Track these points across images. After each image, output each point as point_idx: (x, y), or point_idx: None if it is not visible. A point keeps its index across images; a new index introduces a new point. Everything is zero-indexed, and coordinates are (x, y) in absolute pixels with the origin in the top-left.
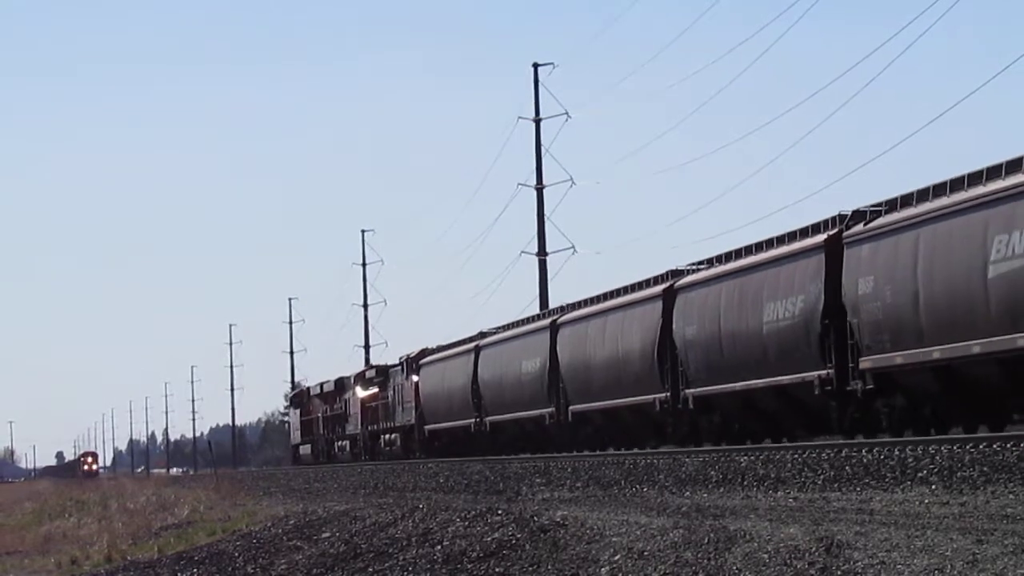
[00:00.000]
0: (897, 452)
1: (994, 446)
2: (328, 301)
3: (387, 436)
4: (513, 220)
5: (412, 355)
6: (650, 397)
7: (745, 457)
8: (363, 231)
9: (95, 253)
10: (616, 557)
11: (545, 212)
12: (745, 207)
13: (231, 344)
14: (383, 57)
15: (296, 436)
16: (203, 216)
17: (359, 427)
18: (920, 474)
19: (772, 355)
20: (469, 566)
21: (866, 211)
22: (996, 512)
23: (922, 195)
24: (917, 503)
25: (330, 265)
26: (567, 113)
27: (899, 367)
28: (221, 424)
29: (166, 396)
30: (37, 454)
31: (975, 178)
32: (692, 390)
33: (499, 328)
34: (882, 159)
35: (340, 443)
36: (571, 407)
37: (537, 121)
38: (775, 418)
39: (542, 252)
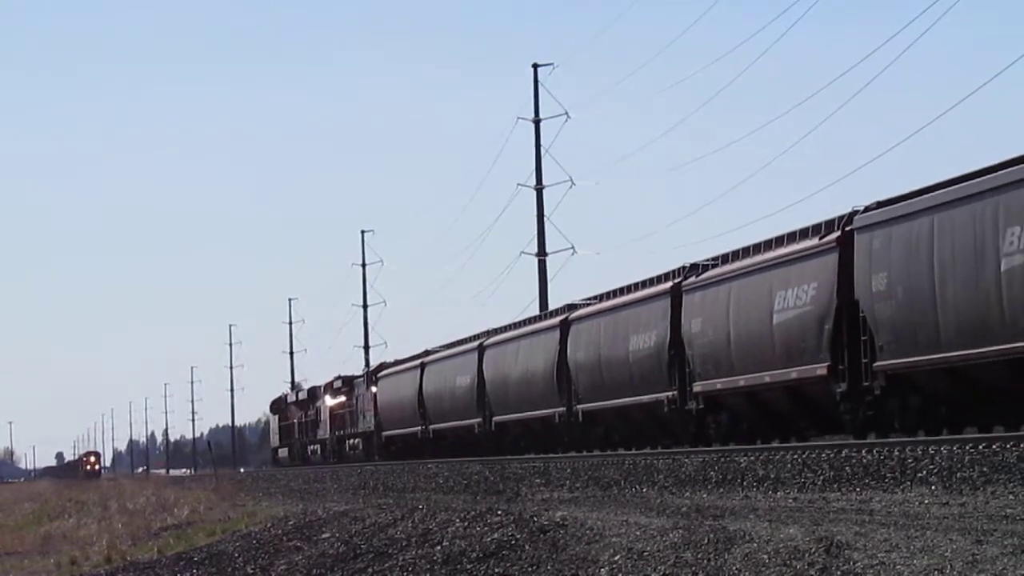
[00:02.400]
0: (897, 452)
1: (994, 446)
2: (328, 301)
3: (351, 441)
4: (513, 220)
5: (372, 368)
6: (551, 411)
7: (745, 457)
8: (363, 231)
9: (95, 253)
10: (616, 557)
11: (545, 212)
12: (745, 207)
13: (231, 344)
14: (383, 57)
15: (275, 440)
16: (203, 216)
17: (328, 432)
18: (920, 474)
19: (636, 378)
20: (469, 566)
21: (699, 264)
22: (996, 512)
23: (735, 256)
24: (917, 503)
25: (330, 265)
26: (567, 113)
27: (719, 391)
28: (221, 424)
29: (166, 396)
30: (37, 454)
31: (768, 245)
32: (582, 406)
33: (440, 347)
34: (882, 159)
35: (312, 447)
36: (494, 418)
37: (537, 121)
38: (640, 427)
39: (542, 252)
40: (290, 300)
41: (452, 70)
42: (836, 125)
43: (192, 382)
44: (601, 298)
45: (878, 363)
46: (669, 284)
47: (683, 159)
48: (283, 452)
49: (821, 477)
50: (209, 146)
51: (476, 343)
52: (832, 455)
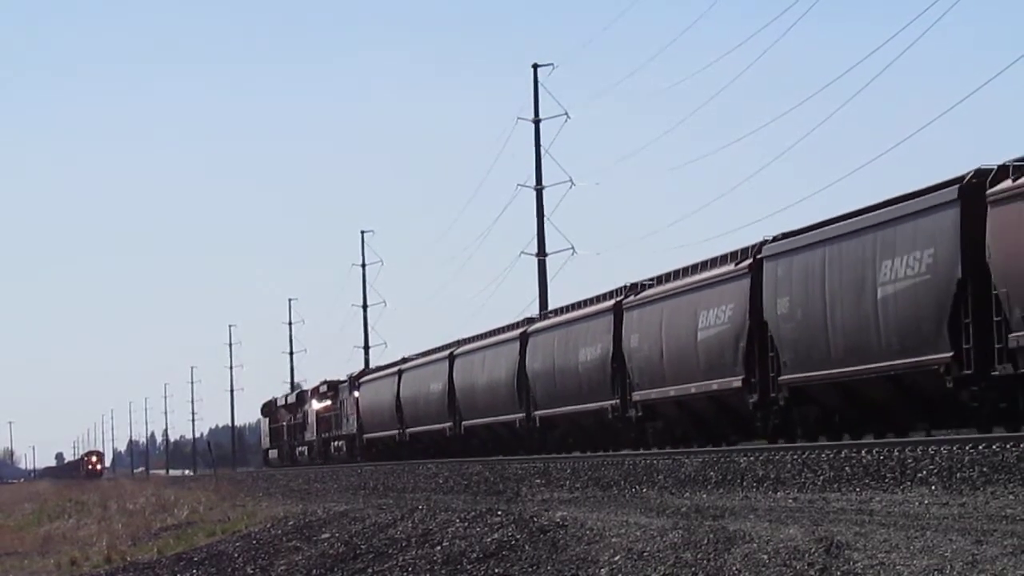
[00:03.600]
0: (897, 453)
1: (994, 447)
2: (328, 301)
3: (336, 443)
4: (513, 221)
5: (355, 374)
6: (513, 416)
7: (744, 458)
8: (363, 231)
9: (95, 253)
10: (616, 558)
11: (545, 213)
12: (745, 207)
13: (231, 345)
14: (383, 57)
15: (266, 441)
16: (203, 216)
17: (315, 435)
18: (920, 475)
19: (585, 387)
20: (469, 567)
21: (638, 284)
22: (996, 513)
23: (667, 278)
24: (917, 504)
25: (330, 266)
26: (567, 113)
27: (654, 400)
28: (221, 425)
29: (166, 397)
30: (36, 455)
31: (694, 269)
32: (539, 412)
33: (417, 355)
34: (882, 159)
35: (300, 448)
36: (463, 422)
37: (536, 122)
38: (589, 432)
39: (542, 253)
40: (290, 300)
41: (452, 70)
42: (836, 125)
43: (192, 382)
44: (556, 312)
45: (782, 377)
46: (612, 302)
47: (683, 159)
48: (273, 453)
49: (821, 477)
50: (209, 146)
51: (447, 352)
52: (832, 455)
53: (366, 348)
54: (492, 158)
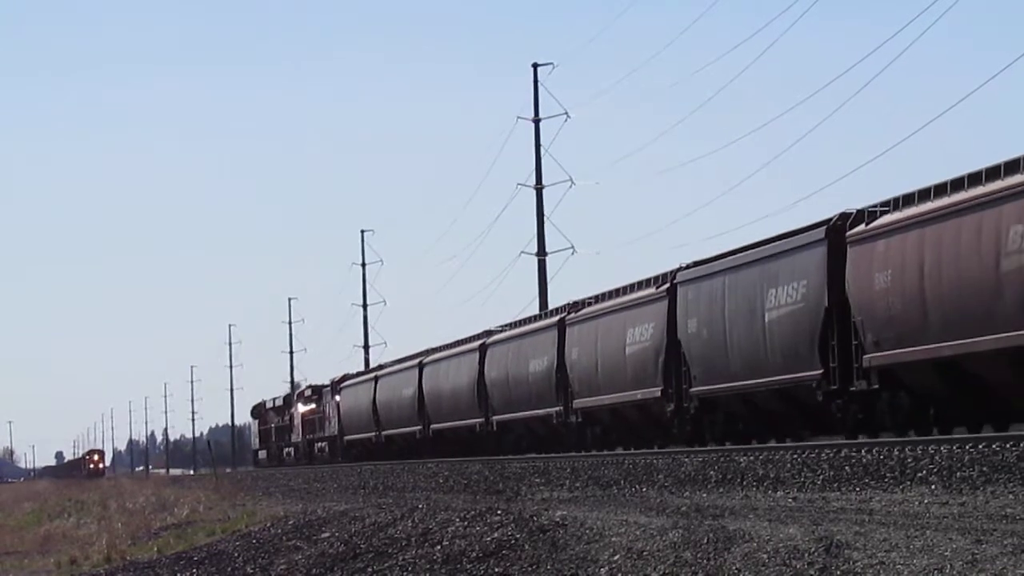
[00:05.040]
0: (897, 452)
1: (994, 446)
2: (328, 301)
3: (319, 444)
4: (513, 220)
5: (336, 379)
6: (473, 421)
7: (744, 457)
8: (363, 231)
9: (95, 253)
10: (615, 557)
11: (545, 212)
12: (745, 207)
13: (231, 344)
14: (383, 57)
15: (255, 442)
16: (203, 216)
17: (300, 436)
18: (920, 474)
19: (534, 395)
20: (468, 566)
21: (579, 302)
22: (996, 512)
23: (602, 297)
24: (917, 503)
25: (330, 265)
26: (567, 113)
27: (591, 407)
28: (221, 424)
29: (166, 396)
30: (36, 454)
31: (624, 290)
32: (496, 417)
33: (392, 362)
34: (882, 159)
35: (287, 449)
36: (432, 426)
37: (536, 121)
38: (539, 435)
39: (542, 252)
40: (290, 300)
41: (452, 70)
42: (836, 125)
43: (192, 382)
44: (511, 326)
45: (693, 388)
46: (556, 318)
47: (683, 159)
48: (262, 454)
49: (821, 477)
50: (209, 146)
51: (417, 361)
52: (832, 455)
53: (366, 348)
54: (492, 157)
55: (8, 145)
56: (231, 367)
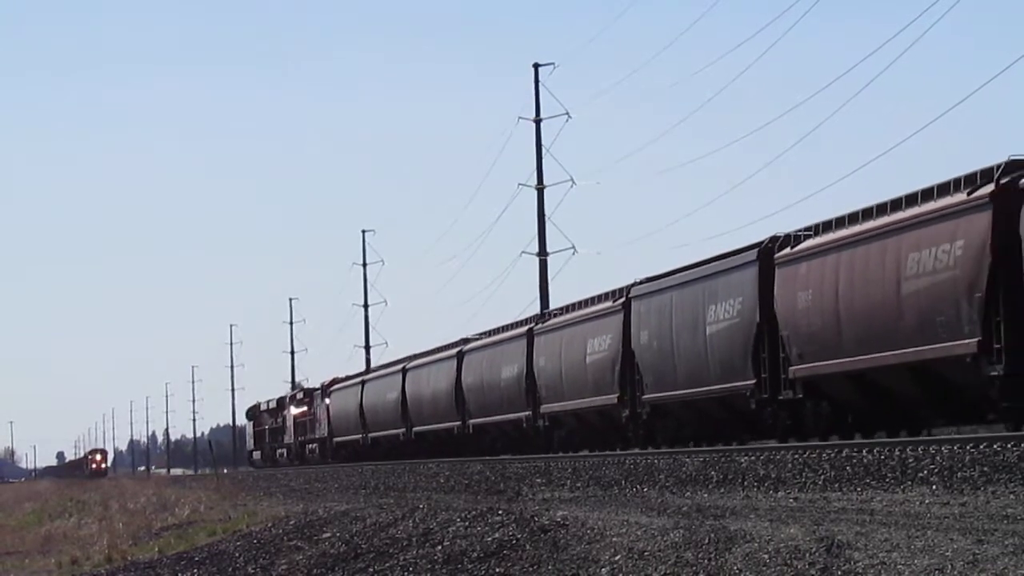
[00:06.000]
0: (898, 452)
1: (994, 446)
2: (328, 301)
3: (310, 446)
4: (513, 220)
5: (326, 383)
6: (451, 424)
7: (745, 457)
8: (363, 231)
9: (95, 253)
10: (616, 557)
11: (546, 212)
12: (745, 207)
13: (231, 344)
14: (384, 57)
15: (250, 443)
16: (204, 216)
17: (292, 438)
18: (920, 474)
19: (506, 400)
20: (469, 566)
21: (546, 313)
22: (996, 512)
23: (568, 309)
24: (917, 503)
25: (330, 265)
26: (567, 113)
27: (557, 412)
28: (222, 424)
29: (166, 396)
30: (37, 454)
31: (586, 303)
32: (473, 420)
33: (378, 367)
34: (882, 159)
35: (280, 450)
36: (414, 428)
37: (537, 121)
38: (511, 438)
39: (542, 252)
40: (290, 300)
41: (452, 70)
42: (836, 125)
43: (193, 382)
44: (487, 334)
45: (645, 396)
46: (525, 328)
47: (684, 159)
48: (257, 455)
49: (822, 477)
50: (209, 146)
51: (400, 367)
52: (833, 455)
53: (367, 348)
54: (493, 158)
55: (8, 145)
56: (232, 367)
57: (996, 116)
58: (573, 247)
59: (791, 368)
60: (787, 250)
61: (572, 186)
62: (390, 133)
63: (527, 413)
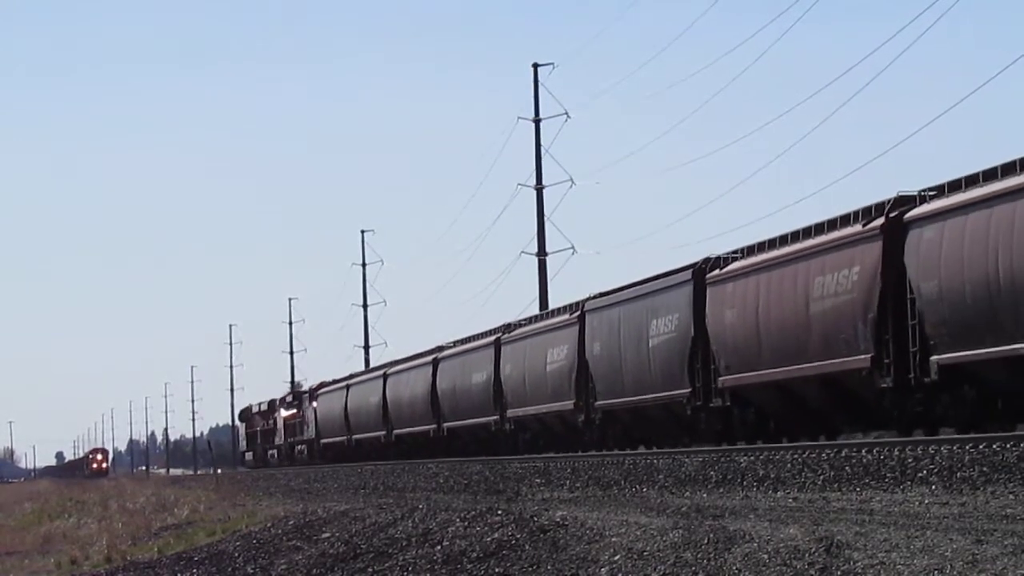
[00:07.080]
0: (897, 452)
1: (994, 446)
2: (328, 301)
3: (299, 447)
4: (513, 220)
5: (314, 386)
6: (427, 427)
7: (745, 457)
8: (363, 231)
9: (95, 253)
10: (616, 557)
11: (545, 212)
12: (745, 207)
13: (231, 344)
14: (383, 57)
15: (243, 444)
16: (204, 216)
17: (283, 439)
18: (920, 474)
19: (476, 405)
20: (469, 566)
21: (511, 324)
22: (996, 512)
23: (532, 320)
24: (917, 503)
25: (330, 265)
26: (567, 113)
27: (521, 416)
28: (221, 424)
29: (166, 396)
30: (37, 454)
31: (546, 315)
32: (446, 423)
33: (361, 372)
34: (881, 159)
35: (271, 451)
36: (394, 431)
37: (537, 121)
38: (481, 440)
39: (542, 252)
40: (290, 300)
41: (452, 70)
42: (836, 125)
43: (192, 382)
44: (460, 343)
45: (598, 402)
46: (493, 338)
47: (683, 159)
48: (249, 455)
49: (821, 477)
50: (209, 146)
51: (381, 372)
52: (832, 455)
53: (366, 348)
54: (492, 158)
55: (8, 145)
56: (231, 367)
57: (996, 116)
58: (572, 247)
59: (720, 378)
60: (717, 271)
61: (571, 186)
62: (390, 133)
63: (495, 417)
